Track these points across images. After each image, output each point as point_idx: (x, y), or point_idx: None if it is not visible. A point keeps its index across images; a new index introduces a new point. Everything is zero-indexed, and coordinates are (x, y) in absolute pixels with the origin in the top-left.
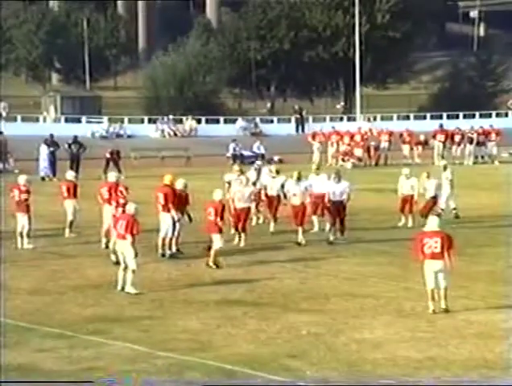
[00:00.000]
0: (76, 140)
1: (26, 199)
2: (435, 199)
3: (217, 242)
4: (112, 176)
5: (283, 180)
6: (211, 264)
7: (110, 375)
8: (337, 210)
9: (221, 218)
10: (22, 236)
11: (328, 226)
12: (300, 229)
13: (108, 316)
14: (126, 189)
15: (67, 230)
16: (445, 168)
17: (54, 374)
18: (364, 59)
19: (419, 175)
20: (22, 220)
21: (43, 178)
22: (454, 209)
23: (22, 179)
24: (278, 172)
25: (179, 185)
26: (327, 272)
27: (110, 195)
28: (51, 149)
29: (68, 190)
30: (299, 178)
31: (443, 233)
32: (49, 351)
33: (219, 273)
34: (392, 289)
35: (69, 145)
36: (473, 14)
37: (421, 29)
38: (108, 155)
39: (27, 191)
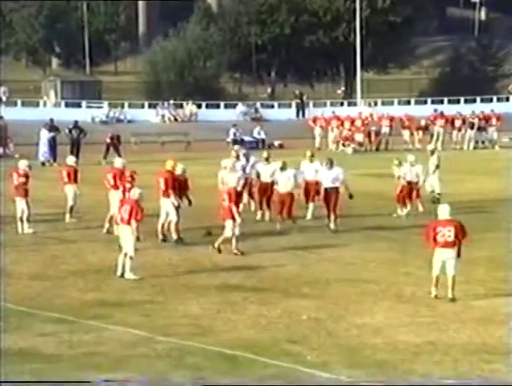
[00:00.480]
0: (76, 125)
1: (24, 183)
2: (410, 184)
3: (229, 229)
4: (118, 162)
5: (275, 167)
6: (216, 245)
7: (111, 360)
8: (330, 196)
9: (237, 205)
10: (22, 221)
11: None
12: (279, 218)
13: (108, 301)
14: (135, 173)
15: (67, 215)
16: (432, 153)
17: (54, 358)
18: (364, 44)
19: (420, 161)
20: (20, 204)
21: (43, 163)
22: (432, 192)
23: (22, 164)
24: (267, 159)
25: (178, 170)
26: (328, 257)
27: (116, 180)
28: (52, 134)
29: (69, 175)
30: (282, 168)
31: (457, 222)
32: (50, 335)
33: (220, 258)
34: (392, 274)
35: (70, 130)
36: None
37: (422, 13)
38: (108, 140)
39: (25, 175)
